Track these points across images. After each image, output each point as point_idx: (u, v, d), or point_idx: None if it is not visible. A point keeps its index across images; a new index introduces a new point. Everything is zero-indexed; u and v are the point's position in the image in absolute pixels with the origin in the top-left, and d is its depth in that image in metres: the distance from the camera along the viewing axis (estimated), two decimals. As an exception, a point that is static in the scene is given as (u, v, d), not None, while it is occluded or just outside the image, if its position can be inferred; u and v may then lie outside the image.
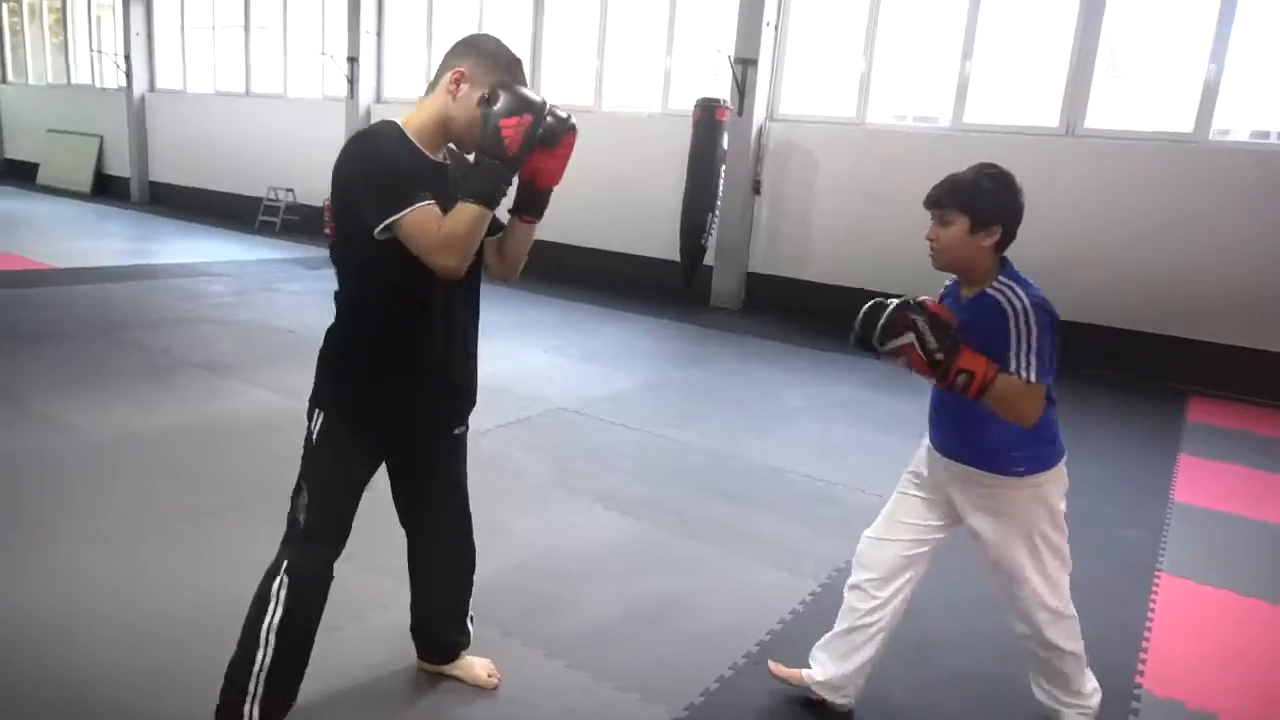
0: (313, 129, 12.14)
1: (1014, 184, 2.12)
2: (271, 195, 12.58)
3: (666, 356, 6.95)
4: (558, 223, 9.68)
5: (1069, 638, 2.26)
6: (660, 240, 8.98)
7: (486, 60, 1.88)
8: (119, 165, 15.12)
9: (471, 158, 1.90)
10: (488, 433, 4.53)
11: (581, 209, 9.12)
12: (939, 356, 1.98)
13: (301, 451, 2.06)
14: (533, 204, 2.02)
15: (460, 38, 1.96)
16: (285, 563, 2.00)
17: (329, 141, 11.66)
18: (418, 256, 1.82)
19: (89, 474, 3.72)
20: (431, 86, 1.94)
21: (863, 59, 8.02)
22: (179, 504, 3.48)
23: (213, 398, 4.90)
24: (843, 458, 4.57)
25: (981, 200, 2.07)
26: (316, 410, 2.03)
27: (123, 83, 14.58)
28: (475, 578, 2.42)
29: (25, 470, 3.70)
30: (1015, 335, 2.01)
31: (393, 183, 1.82)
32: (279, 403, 4.82)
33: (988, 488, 2.17)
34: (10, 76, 17.59)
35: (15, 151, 17.22)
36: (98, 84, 15.67)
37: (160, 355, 5.56)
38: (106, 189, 15.35)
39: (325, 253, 10.47)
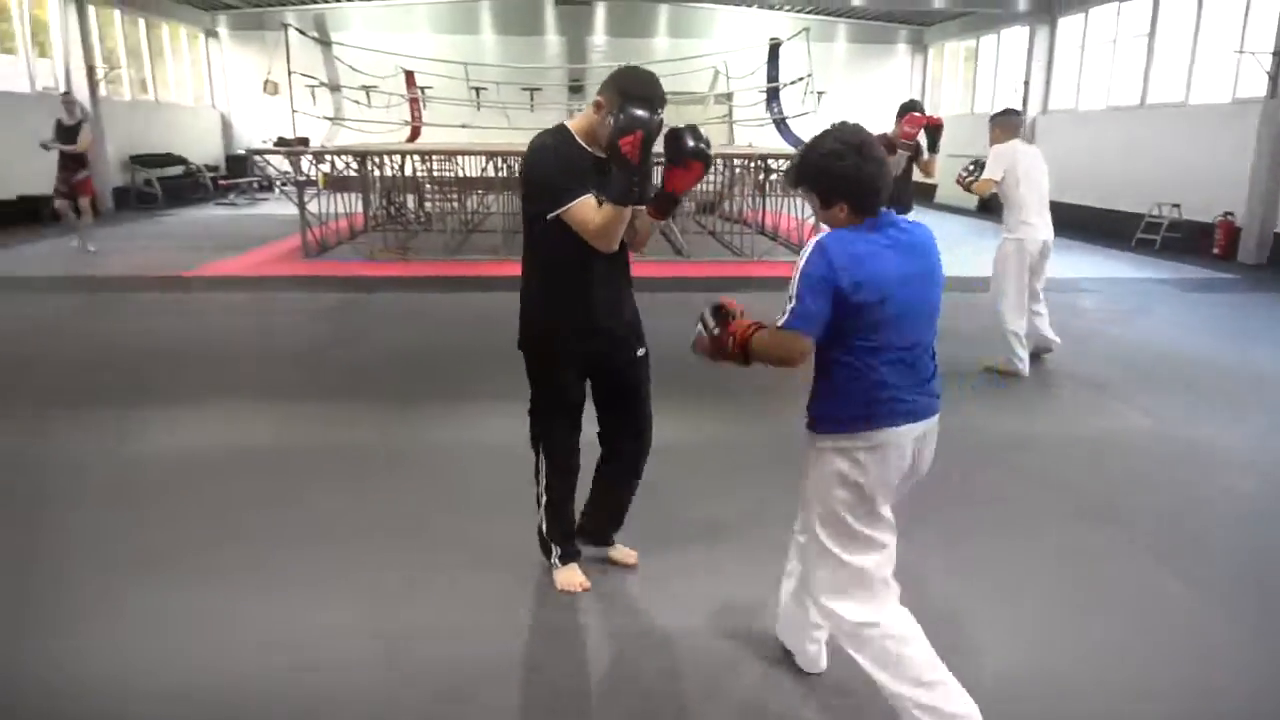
0: (1214, 137, 11.04)
1: (863, 151, 2.00)
2: (1154, 211, 11.90)
3: None
4: None
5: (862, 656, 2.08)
6: None
7: (619, 98, 2.41)
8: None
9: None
10: None
11: None
12: (716, 332, 2.14)
13: (531, 389, 2.77)
14: (659, 202, 2.53)
15: (616, 70, 2.58)
16: (540, 450, 2.81)
17: (1235, 148, 10.46)
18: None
19: (973, 459, 4.14)
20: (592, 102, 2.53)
21: None
22: (1045, 506, 3.62)
23: (1092, 413, 4.93)
24: None
25: (818, 180, 2.05)
26: (532, 357, 2.72)
27: (1018, 107, 15.61)
28: None
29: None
30: (792, 275, 2.01)
31: (562, 181, 2.47)
32: (1150, 427, 4.58)
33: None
34: (926, 111, 20.54)
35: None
36: (994, 111, 17.10)
37: (1048, 369, 5.75)
38: (986, 206, 16.70)
39: (1209, 275, 9.50)
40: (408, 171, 12.57)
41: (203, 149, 18.63)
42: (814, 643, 2.42)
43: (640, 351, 2.81)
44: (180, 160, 17.34)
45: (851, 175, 2.00)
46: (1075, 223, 13.65)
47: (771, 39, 14.02)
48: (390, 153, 11.35)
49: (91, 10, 14.44)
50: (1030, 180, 5.43)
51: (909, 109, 5.89)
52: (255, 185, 17.29)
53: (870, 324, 1.98)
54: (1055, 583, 3.06)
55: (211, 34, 19.31)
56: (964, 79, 19.24)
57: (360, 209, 11.96)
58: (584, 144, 2.54)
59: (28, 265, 9.22)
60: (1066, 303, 8.00)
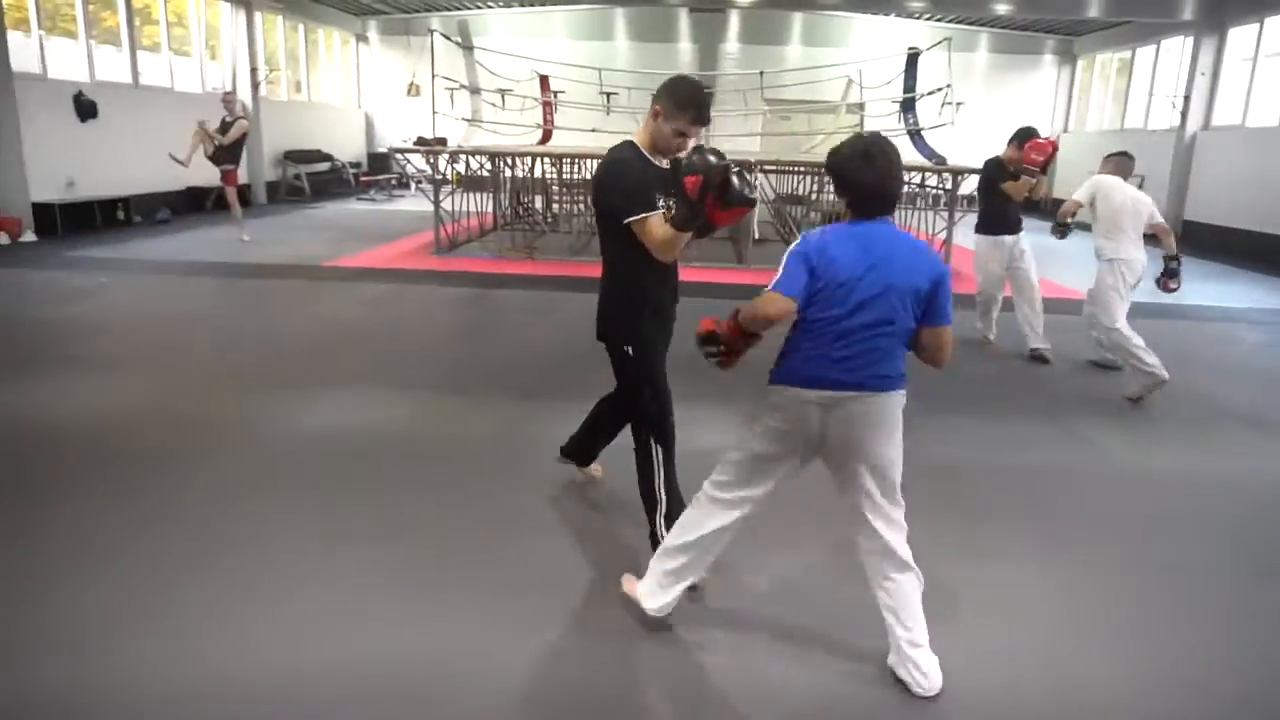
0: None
1: (871, 159, 2.32)
2: (1330, 238, 10.91)
3: None
4: None
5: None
6: None
7: (673, 104, 2.76)
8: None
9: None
10: None
11: None
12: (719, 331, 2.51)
13: (627, 373, 3.00)
14: (702, 232, 2.80)
15: (667, 79, 2.87)
16: (652, 436, 2.95)
17: None
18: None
19: (1107, 494, 3.89)
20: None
21: None
22: (1206, 557, 3.37)
23: (1261, 459, 4.58)
24: None
25: (833, 171, 2.40)
26: (624, 346, 2.94)
27: (1175, 123, 14.62)
28: None
29: (1050, 481, 4.09)
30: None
31: (636, 194, 2.75)
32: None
33: None
34: (1071, 126, 19.53)
35: (1064, 192, 19.13)
36: (1148, 126, 16.10)
37: (1200, 404, 5.36)
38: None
39: None
40: (537, 173, 12.87)
41: (347, 147, 19.65)
42: (911, 665, 2.43)
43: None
44: (327, 157, 18.35)
45: (852, 178, 2.34)
46: (1236, 248, 12.66)
47: (910, 48, 13.63)
48: (522, 154, 11.65)
49: (258, 17, 15.50)
50: (1128, 212, 5.54)
51: (1029, 135, 6.09)
52: (393, 182, 18.10)
53: (825, 297, 2.30)
54: (1201, 622, 2.86)
55: (362, 38, 20.35)
56: (1114, 92, 18.17)
57: (490, 208, 12.33)
58: (650, 156, 2.84)
59: (192, 251, 9.94)
60: (1223, 333, 7.45)
